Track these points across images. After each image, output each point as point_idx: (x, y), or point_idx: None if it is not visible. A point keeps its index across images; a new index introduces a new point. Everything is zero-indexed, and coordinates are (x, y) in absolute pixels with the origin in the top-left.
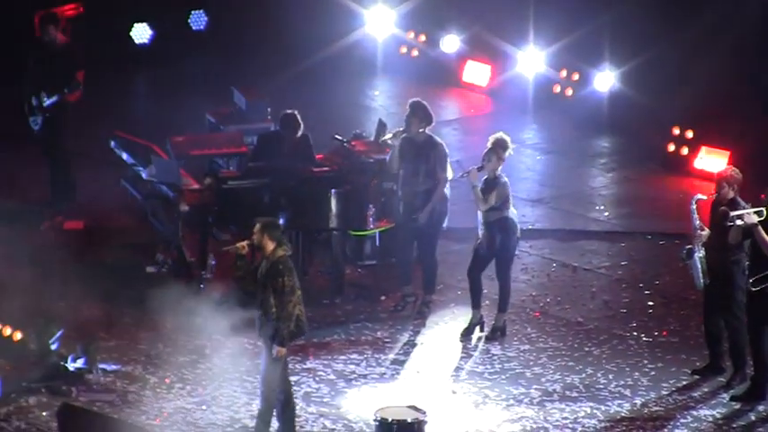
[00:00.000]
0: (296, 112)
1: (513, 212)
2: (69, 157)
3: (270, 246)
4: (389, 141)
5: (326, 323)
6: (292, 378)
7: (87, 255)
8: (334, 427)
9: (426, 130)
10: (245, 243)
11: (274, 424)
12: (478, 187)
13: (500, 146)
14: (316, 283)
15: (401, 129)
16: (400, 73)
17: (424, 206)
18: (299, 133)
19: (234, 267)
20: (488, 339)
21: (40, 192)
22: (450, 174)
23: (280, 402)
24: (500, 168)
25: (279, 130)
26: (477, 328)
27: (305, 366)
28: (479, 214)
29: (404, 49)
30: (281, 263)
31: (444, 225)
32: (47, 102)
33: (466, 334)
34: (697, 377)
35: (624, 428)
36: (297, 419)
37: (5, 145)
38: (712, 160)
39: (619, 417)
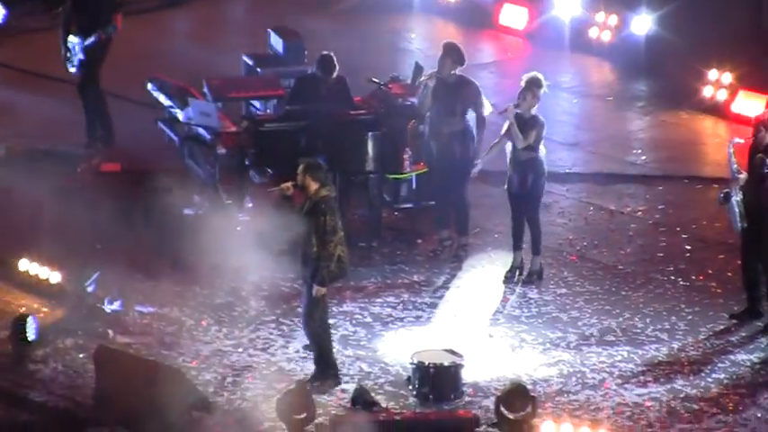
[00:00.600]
0: (332, 54)
1: (542, 153)
2: (104, 98)
3: (313, 186)
4: (426, 82)
5: (363, 266)
6: (329, 321)
7: (124, 197)
8: (370, 370)
9: (458, 72)
10: (289, 184)
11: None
12: (515, 124)
13: (534, 84)
14: (352, 226)
15: (435, 70)
16: (437, 15)
17: (460, 147)
18: (335, 74)
19: (279, 208)
20: (525, 283)
21: (79, 134)
22: (488, 109)
23: None
24: (536, 107)
25: (315, 73)
26: (518, 270)
27: (341, 309)
28: (508, 153)
29: None
30: (323, 202)
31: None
32: (85, 43)
33: (509, 277)
34: (735, 321)
35: (661, 372)
36: None
37: (44, 88)
38: (750, 104)
39: (656, 361)
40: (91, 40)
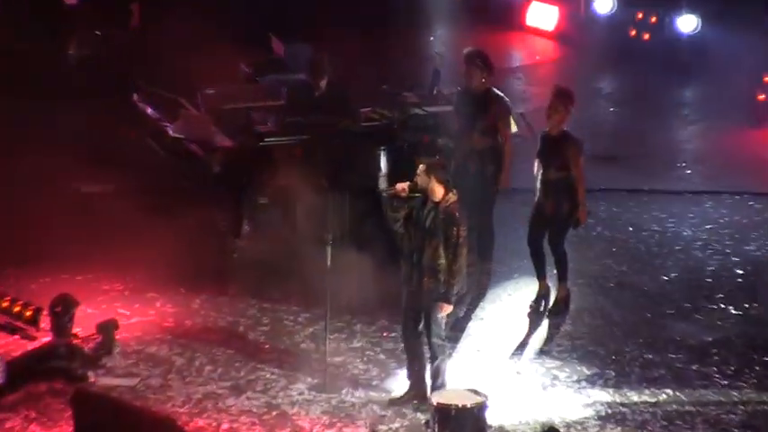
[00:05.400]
0: (323, 56)
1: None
2: None
3: (439, 190)
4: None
5: (375, 296)
6: (338, 358)
7: (107, 220)
8: (383, 413)
9: (486, 82)
10: (405, 185)
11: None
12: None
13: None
14: (362, 250)
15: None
16: (458, 15)
17: (478, 166)
18: (325, 79)
19: (389, 210)
20: (555, 313)
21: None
22: (513, 128)
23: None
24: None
25: (306, 79)
26: (544, 300)
27: (351, 346)
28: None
29: None
30: (456, 210)
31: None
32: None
33: (536, 306)
34: None
35: (711, 414)
36: (343, 404)
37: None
38: None
39: (705, 401)
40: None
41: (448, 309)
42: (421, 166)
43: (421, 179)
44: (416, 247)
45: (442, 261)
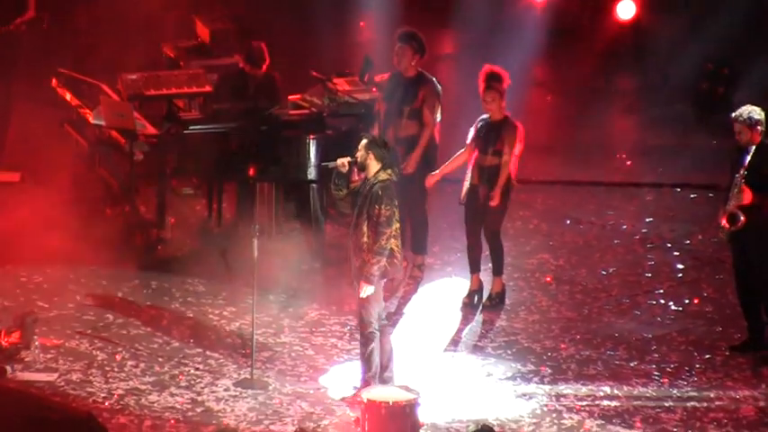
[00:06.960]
0: (262, 45)
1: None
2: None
3: (374, 167)
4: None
5: (304, 291)
6: (265, 354)
7: (24, 211)
8: (312, 410)
9: (417, 65)
10: (345, 160)
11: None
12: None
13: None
14: (291, 243)
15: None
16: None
17: (408, 154)
18: (264, 69)
19: (332, 186)
20: (490, 308)
21: None
22: (438, 116)
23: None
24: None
25: (242, 67)
26: (477, 295)
27: (279, 340)
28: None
29: None
30: (381, 188)
31: None
32: None
33: (469, 302)
34: (736, 353)
35: (650, 413)
36: (270, 401)
37: None
38: None
39: (643, 398)
40: None
41: (366, 288)
42: (363, 141)
43: (360, 154)
44: (353, 224)
45: (366, 240)
